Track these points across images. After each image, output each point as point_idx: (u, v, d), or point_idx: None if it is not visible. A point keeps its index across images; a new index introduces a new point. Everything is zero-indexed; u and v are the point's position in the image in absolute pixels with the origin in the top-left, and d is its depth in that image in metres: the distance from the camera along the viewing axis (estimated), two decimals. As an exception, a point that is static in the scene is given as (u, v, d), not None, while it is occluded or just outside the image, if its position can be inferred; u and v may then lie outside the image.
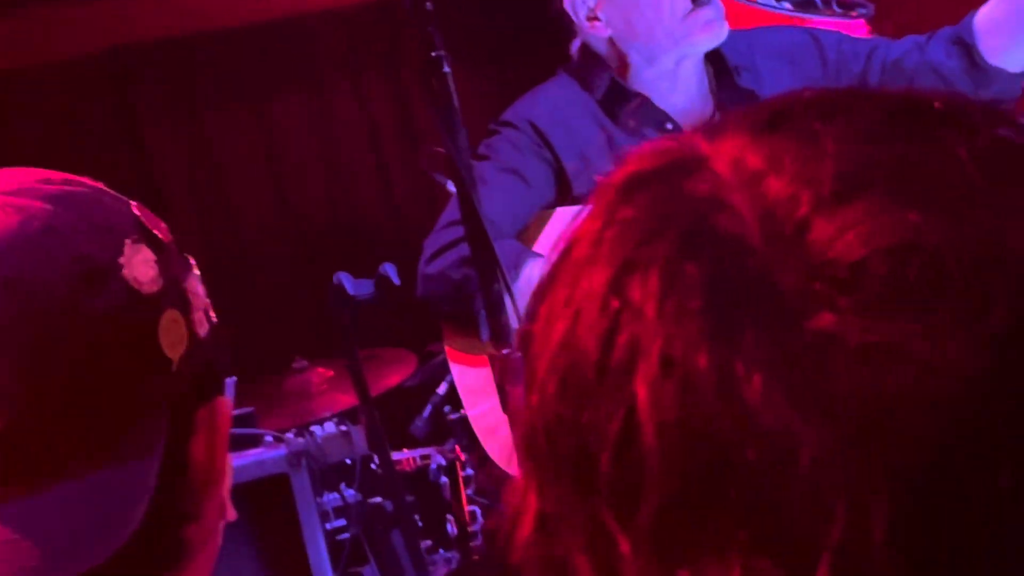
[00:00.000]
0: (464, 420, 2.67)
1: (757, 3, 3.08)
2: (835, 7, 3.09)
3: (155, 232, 0.89)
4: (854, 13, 3.09)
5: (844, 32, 2.74)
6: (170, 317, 0.86)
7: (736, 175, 0.50)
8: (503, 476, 2.47)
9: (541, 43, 2.86)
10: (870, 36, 3.01)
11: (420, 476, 3.00)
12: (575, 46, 2.56)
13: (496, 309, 1.94)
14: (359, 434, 2.74)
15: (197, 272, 0.93)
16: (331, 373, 3.43)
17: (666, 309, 0.48)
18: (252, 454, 2.64)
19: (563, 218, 2.42)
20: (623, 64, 2.48)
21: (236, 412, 2.65)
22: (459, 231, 2.18)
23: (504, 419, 2.16)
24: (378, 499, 2.88)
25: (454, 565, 2.94)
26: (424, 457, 3.02)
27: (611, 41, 2.47)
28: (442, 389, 3.16)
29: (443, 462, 2.99)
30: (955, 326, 0.45)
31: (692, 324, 0.47)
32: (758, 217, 0.48)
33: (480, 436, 2.48)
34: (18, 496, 0.81)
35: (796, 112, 0.53)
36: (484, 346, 2.16)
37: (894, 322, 0.45)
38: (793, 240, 0.47)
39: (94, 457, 0.81)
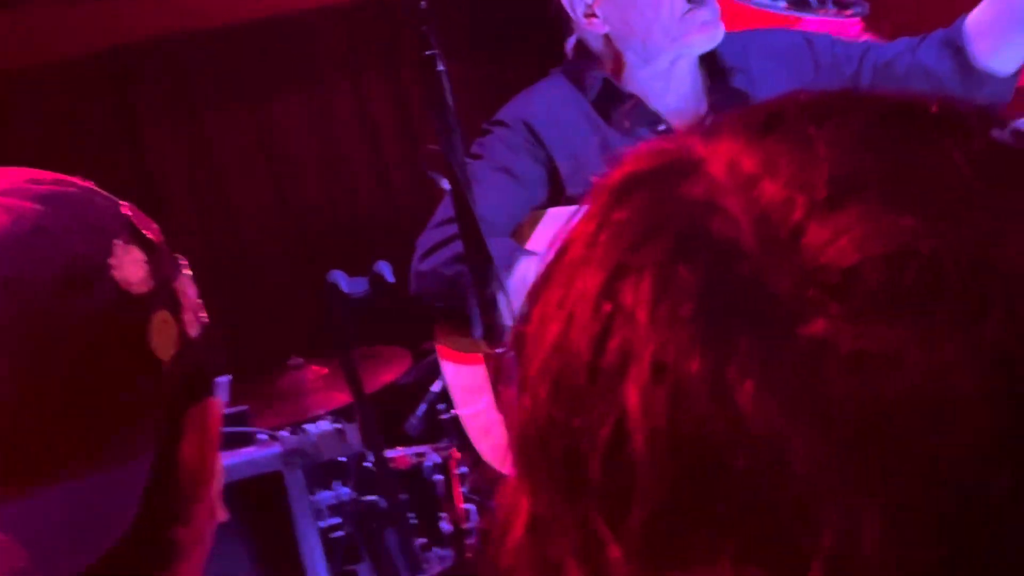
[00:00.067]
0: (459, 418, 2.67)
1: (752, 1, 3.08)
2: (830, 6, 3.08)
3: (145, 232, 0.88)
4: (849, 12, 3.09)
5: (838, 32, 2.74)
6: (160, 318, 0.85)
7: (731, 178, 0.50)
8: (496, 475, 2.47)
9: (540, 42, 2.86)
10: (865, 35, 3.01)
11: (414, 474, 2.99)
12: (570, 44, 2.56)
13: (489, 307, 1.94)
14: (353, 432, 2.74)
15: (188, 272, 0.92)
16: (326, 371, 3.43)
17: (658, 314, 0.48)
18: (246, 452, 2.64)
19: (556, 218, 2.42)
20: (618, 63, 2.48)
21: (230, 410, 2.66)
22: (452, 229, 2.18)
23: (496, 419, 2.16)
24: (372, 497, 2.88)
25: (448, 563, 2.93)
26: (418, 455, 3.02)
27: (607, 39, 2.47)
28: (437, 387, 3.16)
29: (437, 460, 2.98)
30: (951, 332, 0.44)
31: (684, 329, 0.47)
32: (752, 221, 0.48)
33: (472, 435, 2.48)
34: (7, 498, 0.80)
35: (791, 115, 0.52)
36: (477, 344, 2.17)
37: (888, 328, 0.45)
38: (787, 245, 0.47)
39: (84, 459, 0.81)
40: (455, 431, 2.91)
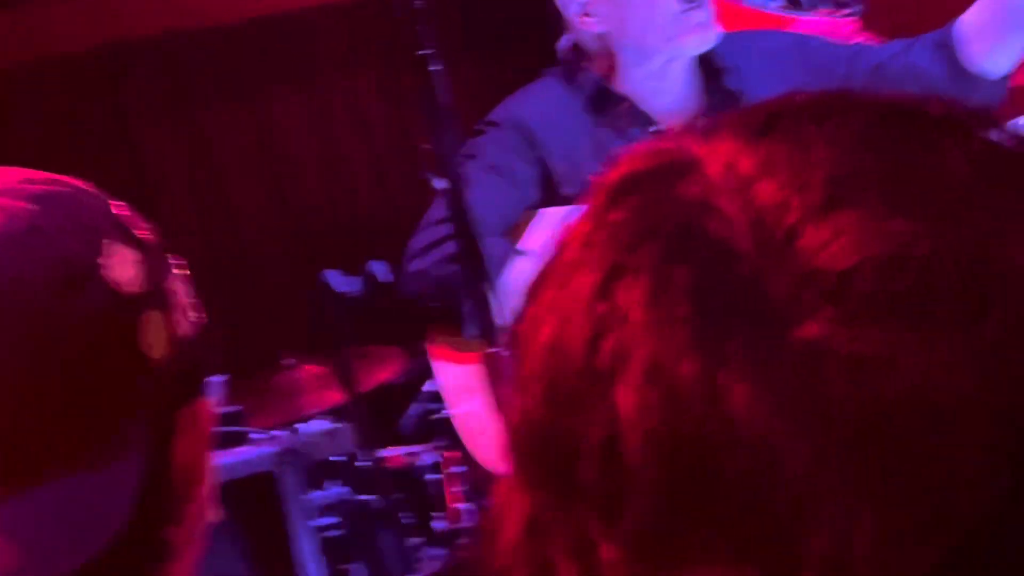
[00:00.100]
0: (452, 418, 2.67)
1: (747, 2, 3.09)
2: (825, 6, 3.09)
3: (136, 232, 0.88)
4: (845, 12, 3.10)
5: (834, 31, 2.75)
6: (151, 318, 0.85)
7: (728, 179, 0.50)
8: (490, 475, 2.47)
9: (535, 42, 2.85)
10: (861, 35, 3.02)
11: (408, 473, 2.99)
12: (562, 44, 2.56)
13: (481, 307, 1.95)
14: (347, 431, 2.74)
15: (180, 272, 0.92)
16: (320, 370, 3.43)
17: (653, 315, 0.48)
18: (240, 452, 2.64)
19: (549, 219, 2.42)
20: (612, 63, 2.48)
21: (224, 410, 2.66)
22: (444, 229, 2.18)
23: (488, 418, 2.16)
24: (366, 497, 2.88)
25: (441, 563, 2.93)
26: (412, 454, 3.02)
27: (602, 39, 2.47)
28: (431, 386, 3.16)
29: (431, 460, 2.98)
30: (950, 332, 0.44)
31: (678, 331, 0.47)
32: (748, 223, 0.48)
33: (464, 435, 2.48)
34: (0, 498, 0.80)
35: (790, 115, 0.52)
36: (469, 344, 2.17)
37: (884, 331, 0.44)
38: (783, 247, 0.47)
39: (76, 458, 0.81)
40: (448, 431, 2.91)
